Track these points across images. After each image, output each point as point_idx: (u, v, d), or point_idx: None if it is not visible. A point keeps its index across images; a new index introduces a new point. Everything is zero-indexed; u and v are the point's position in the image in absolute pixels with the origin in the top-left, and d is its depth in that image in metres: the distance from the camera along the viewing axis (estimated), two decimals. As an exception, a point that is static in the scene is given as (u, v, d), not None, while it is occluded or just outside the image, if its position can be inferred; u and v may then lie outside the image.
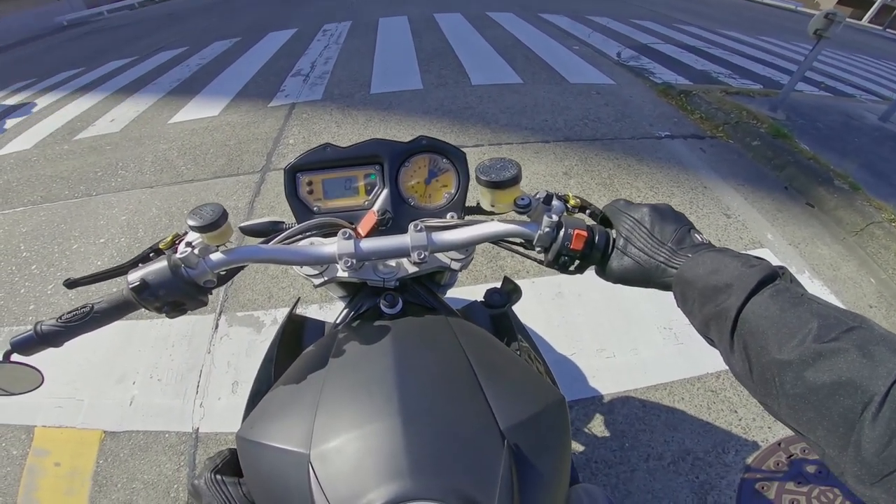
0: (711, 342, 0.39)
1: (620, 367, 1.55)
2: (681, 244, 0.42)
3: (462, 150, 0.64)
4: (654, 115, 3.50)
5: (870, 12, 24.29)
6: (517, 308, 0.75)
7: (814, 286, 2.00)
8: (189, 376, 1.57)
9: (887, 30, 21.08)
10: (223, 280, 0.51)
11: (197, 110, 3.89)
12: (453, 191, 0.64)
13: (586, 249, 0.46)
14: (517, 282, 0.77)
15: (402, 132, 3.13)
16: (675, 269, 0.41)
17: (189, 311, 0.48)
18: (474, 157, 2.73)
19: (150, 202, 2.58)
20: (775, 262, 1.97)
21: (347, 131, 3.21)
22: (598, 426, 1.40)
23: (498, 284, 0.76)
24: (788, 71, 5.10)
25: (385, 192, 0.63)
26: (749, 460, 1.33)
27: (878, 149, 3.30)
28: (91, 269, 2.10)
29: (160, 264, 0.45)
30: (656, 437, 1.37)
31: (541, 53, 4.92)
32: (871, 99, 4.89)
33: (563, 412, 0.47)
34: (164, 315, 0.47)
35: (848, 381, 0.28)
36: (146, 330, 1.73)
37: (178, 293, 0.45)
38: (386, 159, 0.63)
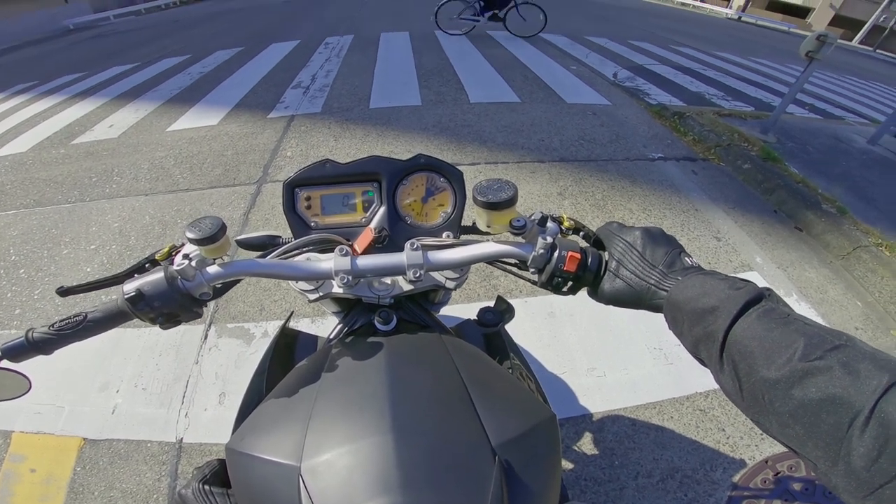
0: (702, 362, 0.40)
1: (611, 386, 1.56)
2: (671, 267, 0.43)
3: (459, 169, 0.66)
4: (648, 137, 3.56)
5: (860, 33, 24.91)
6: (510, 326, 0.76)
7: (801, 309, 2.02)
8: (175, 386, 1.56)
9: (877, 51, 21.61)
10: (219, 293, 0.51)
11: (196, 119, 3.92)
12: (450, 210, 0.65)
13: (579, 271, 0.47)
14: (510, 301, 0.78)
15: (400, 148, 3.17)
16: (666, 291, 0.42)
17: (183, 323, 0.49)
18: (471, 175, 2.77)
19: (143, 210, 2.58)
20: (763, 284, 1.98)
21: (345, 145, 3.24)
22: (588, 444, 1.41)
23: (491, 303, 0.77)
24: (779, 92, 5.21)
25: (382, 209, 0.64)
26: (736, 478, 1.34)
27: (866, 172, 3.36)
28: (80, 275, 2.10)
29: (157, 275, 0.45)
30: (645, 454, 1.38)
31: (539, 73, 5.01)
32: (860, 121, 4.98)
33: (553, 429, 0.47)
34: (157, 326, 0.47)
35: (835, 398, 0.29)
36: (133, 338, 1.72)
37: (174, 305, 0.46)
38: (384, 177, 0.64)
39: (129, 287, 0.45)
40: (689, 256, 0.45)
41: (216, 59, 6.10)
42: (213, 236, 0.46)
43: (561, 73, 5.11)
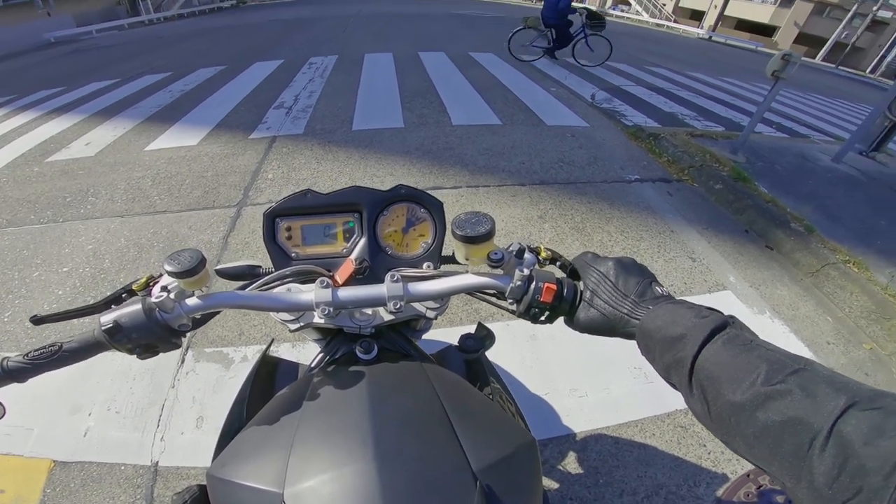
0: (674, 386, 0.42)
1: (593, 406, 1.59)
2: (643, 297, 0.45)
3: (439, 200, 0.66)
4: (625, 159, 3.67)
5: (823, 50, 26.19)
6: (493, 350, 0.77)
7: (774, 326, 2.09)
8: (150, 410, 1.54)
9: (839, 67, 22.76)
10: (198, 324, 0.51)
11: (176, 138, 3.88)
12: (430, 240, 0.66)
13: (555, 302, 0.48)
14: (492, 325, 0.79)
15: (382, 171, 3.20)
16: (638, 320, 0.44)
17: (161, 353, 0.48)
18: (452, 200, 2.80)
19: (119, 232, 2.53)
20: (738, 304, 2.03)
21: (327, 168, 3.25)
22: (572, 464, 1.42)
23: (473, 328, 0.78)
24: (748, 112, 5.44)
25: (363, 240, 0.64)
26: (719, 492, 1.36)
27: (832, 190, 3.51)
28: (51, 298, 2.05)
29: (134, 307, 0.45)
30: (629, 472, 1.40)
31: (519, 94, 5.14)
32: (825, 139, 5.20)
33: (534, 453, 0.48)
34: (134, 356, 0.46)
35: (795, 420, 0.31)
36: (107, 362, 1.67)
37: (152, 337, 0.45)
38: (365, 207, 0.64)
39: (107, 318, 0.45)
40: (660, 285, 0.47)
41: (198, 77, 6.09)
42: (192, 269, 0.46)
43: (541, 94, 5.26)
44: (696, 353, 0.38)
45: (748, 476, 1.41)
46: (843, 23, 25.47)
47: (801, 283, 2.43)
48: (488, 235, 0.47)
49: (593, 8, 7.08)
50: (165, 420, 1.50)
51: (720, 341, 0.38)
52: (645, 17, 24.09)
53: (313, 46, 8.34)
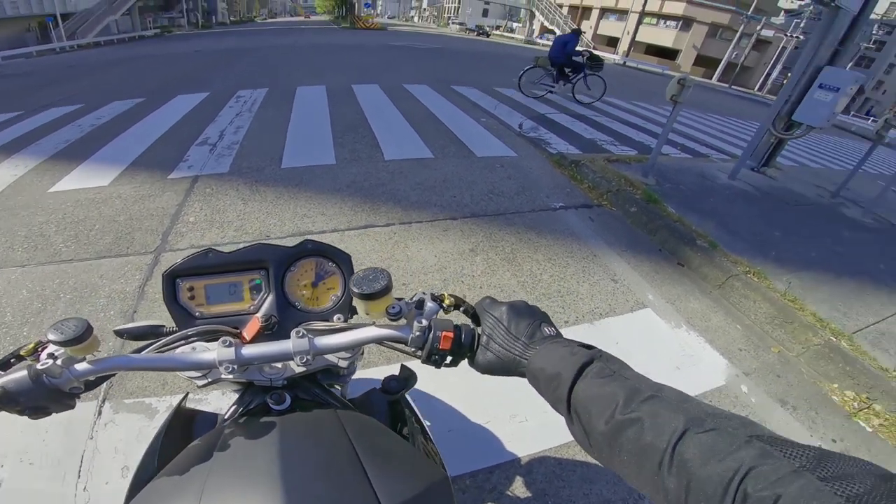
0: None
1: (534, 430, 1.62)
2: (532, 338, 0.49)
3: (347, 253, 0.68)
4: (550, 187, 3.88)
5: (717, 71, 29.80)
6: (432, 382, 0.78)
7: (691, 338, 2.26)
8: (68, 460, 1.45)
9: (732, 87, 26.00)
10: (92, 385, 0.51)
11: (84, 178, 3.55)
12: (339, 293, 0.67)
13: (454, 347, 0.51)
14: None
15: (313, 211, 3.12)
16: (527, 360, 0.47)
17: (54, 413, 0.48)
18: (385, 237, 2.79)
19: (20, 283, 2.26)
20: (657, 320, 2.15)
21: (254, 209, 3.11)
22: (520, 488, 1.44)
23: (397, 371, 0.80)
24: (657, 135, 6.02)
25: (271, 297, 0.65)
26: None
27: (730, 206, 3.94)
28: None
29: (20, 373, 0.45)
30: (575, 491, 1.44)
31: (451, 126, 5.31)
32: (722, 157, 5.86)
33: (446, 489, 0.50)
34: (25, 416, 0.46)
35: (646, 445, 0.34)
36: (12, 416, 1.48)
37: (41, 400, 0.46)
38: (271, 265, 0.65)
39: None
40: (550, 325, 0.51)
41: (112, 111, 5.66)
42: (77, 338, 0.46)
43: (471, 126, 5.47)
44: (569, 389, 0.42)
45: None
46: (733, 43, 29.18)
47: (710, 296, 2.67)
48: (385, 291, 0.49)
49: (596, 52, 8.18)
50: (87, 470, 1.43)
51: (590, 376, 0.41)
52: (568, 45, 26.27)
53: (242, 78, 8.10)
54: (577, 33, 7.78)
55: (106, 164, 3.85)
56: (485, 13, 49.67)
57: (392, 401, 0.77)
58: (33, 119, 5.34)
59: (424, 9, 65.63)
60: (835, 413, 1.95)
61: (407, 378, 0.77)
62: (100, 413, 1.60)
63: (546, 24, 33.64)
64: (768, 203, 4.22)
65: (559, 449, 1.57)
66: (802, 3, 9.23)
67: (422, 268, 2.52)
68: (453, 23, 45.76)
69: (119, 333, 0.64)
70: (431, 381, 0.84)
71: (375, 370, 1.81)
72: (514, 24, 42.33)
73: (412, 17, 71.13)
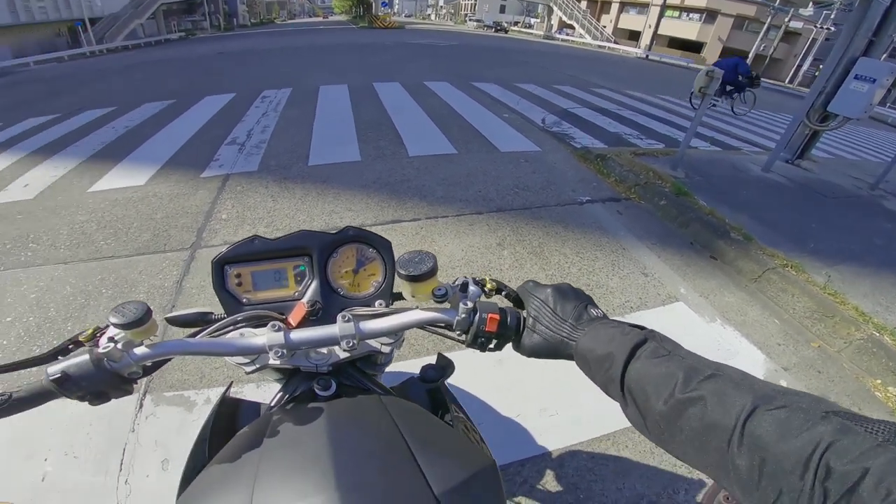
0: (615, 399, 0.44)
1: (564, 424, 1.61)
2: (579, 320, 0.48)
3: (387, 239, 0.69)
4: (576, 181, 3.83)
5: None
6: (463, 376, 0.78)
7: (726, 332, 2.20)
8: (111, 454, 1.49)
9: (762, 79, 24.99)
10: (149, 370, 0.52)
11: (121, 178, 3.70)
12: (380, 279, 0.68)
13: (500, 330, 0.51)
14: (457, 353, 0.80)
15: (341, 207, 3.17)
16: (575, 342, 0.47)
17: (113, 399, 0.49)
18: (412, 232, 2.81)
19: (63, 279, 2.37)
20: (691, 314, 2.11)
21: (284, 206, 3.18)
22: (551, 482, 1.43)
23: (434, 359, 0.79)
24: (684, 127, 5.86)
25: (315, 282, 0.66)
26: (699, 498, 1.39)
27: (764, 198, 3.81)
28: None
29: (82, 357, 0.45)
30: (608, 485, 1.42)
31: (474, 122, 5.30)
32: (755, 150, 5.66)
33: (494, 475, 0.50)
34: (85, 402, 0.47)
35: (712, 424, 0.33)
36: (58, 409, 1.57)
37: (102, 385, 0.46)
38: (314, 251, 0.66)
39: (54, 369, 0.45)
40: (596, 307, 0.51)
41: (144, 113, 5.87)
42: (137, 321, 0.46)
43: (494, 121, 5.45)
44: (622, 369, 0.41)
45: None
46: (761, 35, 28.07)
47: (746, 289, 2.59)
48: (431, 273, 0.49)
49: (755, 74, 9.10)
50: (128, 463, 1.46)
51: (643, 356, 0.41)
52: (588, 39, 25.78)
53: (266, 79, 8.28)
54: (742, 58, 8.85)
55: (141, 164, 4.01)
56: (502, 9, 49.27)
57: (431, 389, 0.77)
58: (70, 122, 5.58)
59: (441, 6, 65.52)
60: (878, 409, 1.87)
61: (445, 366, 0.76)
62: (141, 406, 1.65)
63: (565, 18, 33.11)
64: (804, 195, 4.07)
65: (591, 443, 1.55)
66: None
67: (449, 262, 2.53)
68: (470, 20, 45.55)
69: (169, 321, 0.65)
70: (462, 375, 0.84)
71: (405, 364, 1.82)
72: (532, 20, 41.84)
73: (429, 14, 71.18)
